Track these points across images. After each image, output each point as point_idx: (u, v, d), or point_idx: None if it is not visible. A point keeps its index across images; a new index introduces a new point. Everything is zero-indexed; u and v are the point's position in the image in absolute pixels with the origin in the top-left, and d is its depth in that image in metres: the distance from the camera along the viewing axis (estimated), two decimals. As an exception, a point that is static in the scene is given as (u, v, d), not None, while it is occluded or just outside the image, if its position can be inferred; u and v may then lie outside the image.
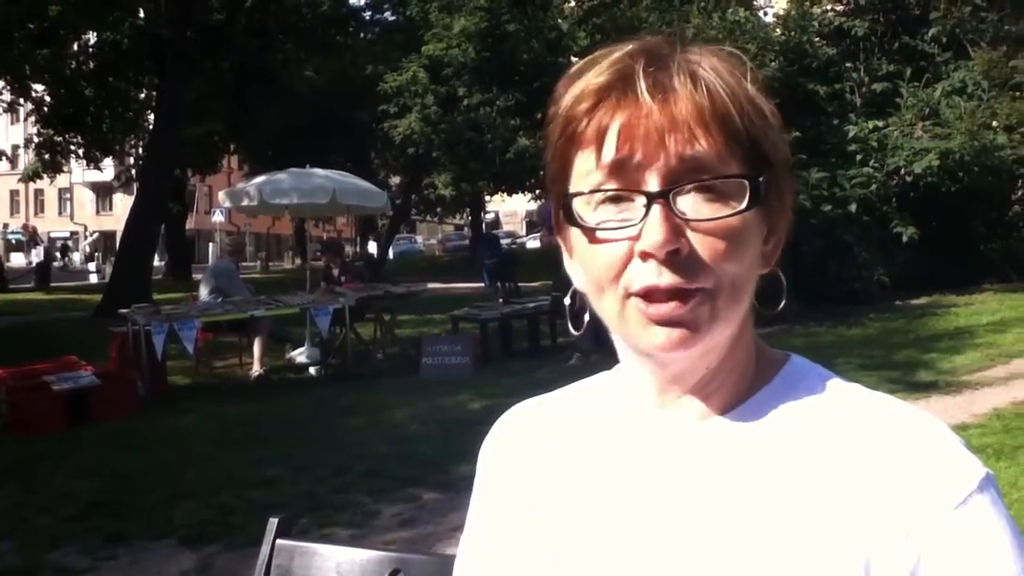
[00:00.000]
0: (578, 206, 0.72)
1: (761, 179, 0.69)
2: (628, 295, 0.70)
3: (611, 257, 0.70)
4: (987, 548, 0.65)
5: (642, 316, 0.69)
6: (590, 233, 0.71)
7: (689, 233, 0.68)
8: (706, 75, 0.69)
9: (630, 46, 0.72)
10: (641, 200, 0.68)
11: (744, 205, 0.68)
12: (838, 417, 0.73)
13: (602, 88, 0.70)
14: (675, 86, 0.68)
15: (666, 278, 0.68)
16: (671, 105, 0.68)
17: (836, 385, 0.76)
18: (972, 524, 0.66)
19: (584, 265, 0.73)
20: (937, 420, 0.72)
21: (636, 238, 0.68)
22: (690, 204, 0.68)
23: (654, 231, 0.67)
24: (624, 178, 0.69)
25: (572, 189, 0.72)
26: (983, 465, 0.69)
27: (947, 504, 0.66)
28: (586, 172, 0.71)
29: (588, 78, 0.71)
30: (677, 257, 0.68)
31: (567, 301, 0.76)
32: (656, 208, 0.67)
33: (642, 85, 0.68)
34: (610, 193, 0.70)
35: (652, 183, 0.68)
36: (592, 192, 0.71)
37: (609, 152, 0.69)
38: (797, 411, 0.74)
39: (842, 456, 0.70)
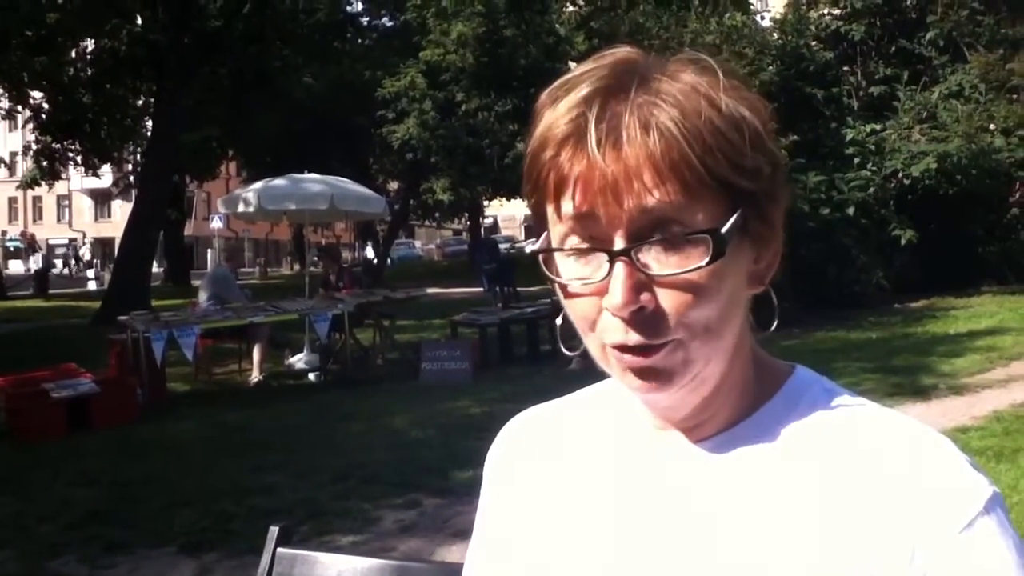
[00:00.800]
0: (549, 257, 0.72)
1: (727, 229, 0.66)
2: (606, 345, 0.70)
3: (584, 310, 0.70)
4: (992, 573, 0.64)
5: (619, 363, 0.69)
6: (563, 288, 0.71)
7: (656, 288, 0.67)
8: (660, 116, 0.65)
9: (585, 90, 0.68)
10: (605, 256, 0.67)
11: (707, 260, 0.66)
12: (840, 434, 0.71)
13: (560, 139, 0.68)
14: (625, 137, 0.65)
15: (633, 337, 0.67)
16: (623, 157, 0.65)
17: (840, 400, 0.75)
18: (977, 548, 0.64)
19: (567, 310, 0.73)
20: (943, 438, 0.70)
21: (604, 292, 0.67)
22: (654, 257, 0.66)
23: (615, 292, 0.66)
24: (587, 232, 0.68)
25: (552, 237, 0.72)
26: (990, 484, 0.67)
27: (952, 528, 0.64)
28: (554, 223, 0.71)
29: (554, 118, 0.69)
30: (643, 314, 0.67)
31: (559, 322, 0.75)
32: (619, 266, 0.66)
33: (592, 140, 0.66)
34: (574, 238, 0.69)
35: (615, 238, 0.66)
36: (558, 249, 0.70)
37: (569, 207, 0.68)
38: (799, 428, 0.73)
39: (844, 475, 0.69)
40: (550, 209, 0.70)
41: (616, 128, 0.65)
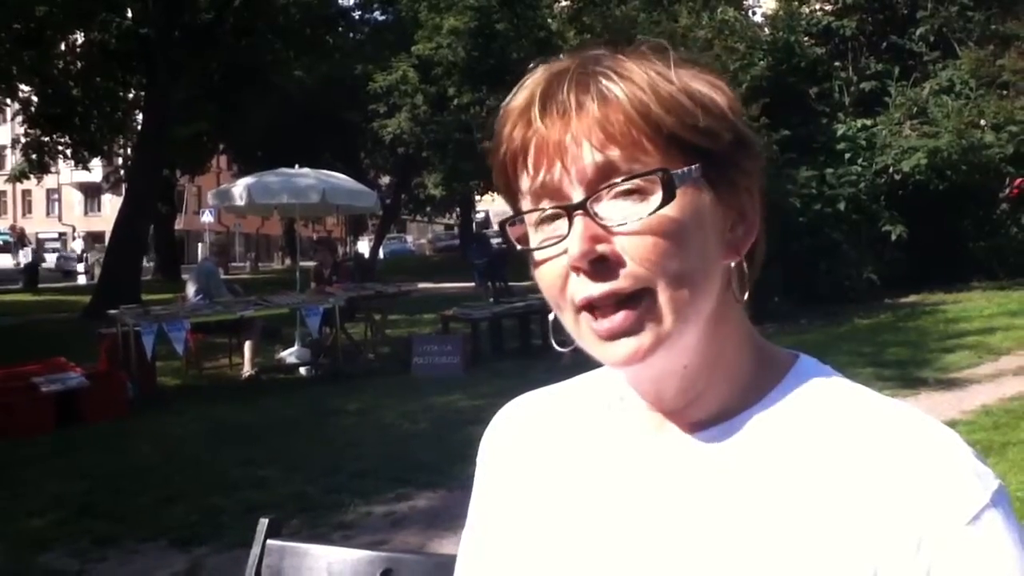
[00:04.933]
0: (518, 229, 0.74)
1: (679, 171, 0.67)
2: (577, 309, 0.70)
3: (552, 275, 0.71)
4: (997, 566, 0.64)
5: (592, 333, 0.70)
6: (531, 256, 0.73)
7: (616, 238, 0.68)
8: (604, 82, 0.68)
9: (538, 74, 0.72)
10: (565, 218, 0.69)
11: (659, 201, 0.67)
12: (846, 425, 0.71)
13: (512, 116, 0.72)
14: (569, 104, 0.68)
15: (598, 288, 0.68)
16: (568, 123, 0.68)
17: (845, 390, 0.74)
18: (983, 541, 0.64)
19: (539, 285, 0.74)
20: (949, 430, 0.70)
21: (567, 252, 0.69)
22: (612, 209, 0.68)
23: (573, 244, 0.67)
24: (547, 198, 0.70)
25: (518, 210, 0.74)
26: (995, 477, 0.68)
27: (959, 519, 0.65)
28: (520, 201, 0.73)
29: (509, 100, 0.73)
30: (605, 264, 0.68)
31: (552, 317, 0.75)
32: (577, 220, 0.68)
33: (535, 111, 0.69)
34: (537, 214, 0.71)
35: (574, 196, 0.68)
36: (519, 214, 0.73)
37: (526, 181, 0.71)
38: (804, 417, 0.72)
39: (850, 466, 0.68)
40: (516, 187, 0.73)
41: (558, 99, 0.68)
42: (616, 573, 0.73)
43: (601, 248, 0.67)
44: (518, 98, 0.72)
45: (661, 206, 0.67)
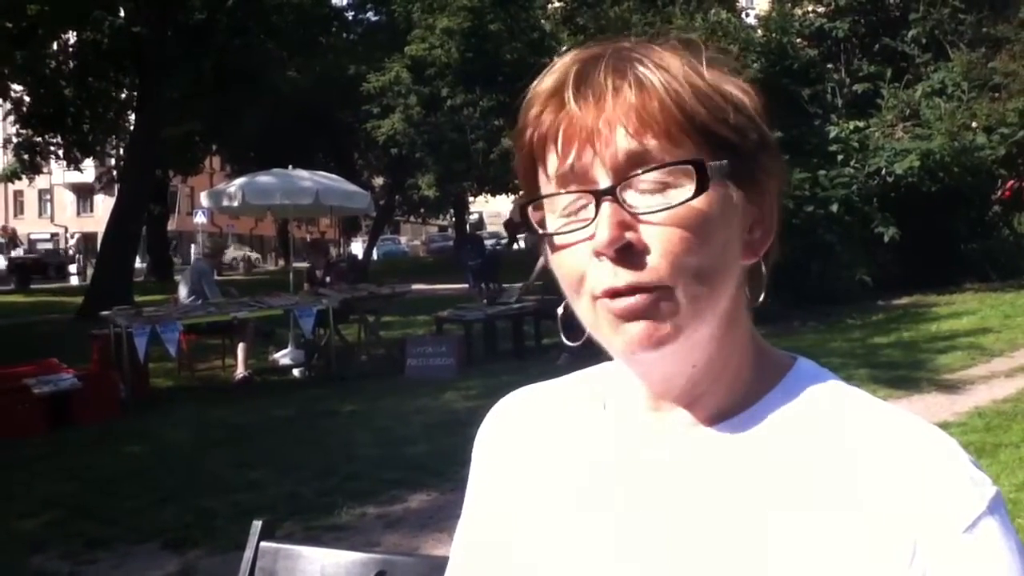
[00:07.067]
0: (536, 214, 0.73)
1: (714, 164, 0.67)
2: (595, 298, 0.69)
3: (572, 262, 0.70)
4: (994, 574, 0.64)
5: (610, 315, 0.68)
6: (551, 240, 0.72)
7: (643, 227, 0.67)
8: (640, 70, 0.68)
9: (568, 58, 0.72)
10: (592, 203, 0.68)
11: (692, 192, 0.66)
12: (844, 429, 0.71)
13: (542, 99, 0.71)
14: (605, 88, 0.68)
15: (622, 277, 0.67)
16: (602, 108, 0.67)
17: (843, 394, 0.74)
18: (980, 549, 0.64)
19: (555, 272, 0.73)
20: (947, 436, 0.70)
21: (592, 238, 0.68)
22: (640, 198, 0.67)
23: (602, 229, 0.66)
24: (574, 182, 0.69)
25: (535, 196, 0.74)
26: (992, 483, 0.67)
27: (955, 527, 0.64)
28: (544, 184, 0.72)
29: (538, 83, 0.72)
30: (630, 252, 0.67)
31: (560, 311, 0.75)
32: (605, 205, 0.67)
33: (569, 93, 0.68)
34: (564, 197, 0.70)
35: (602, 182, 0.68)
36: (542, 197, 0.72)
37: (554, 163, 0.70)
38: (800, 421, 0.72)
39: (847, 471, 0.68)
40: (540, 173, 0.72)
41: (594, 82, 0.68)
42: (612, 570, 0.72)
43: (628, 235, 0.67)
44: (547, 81, 0.71)
45: (693, 197, 0.67)
